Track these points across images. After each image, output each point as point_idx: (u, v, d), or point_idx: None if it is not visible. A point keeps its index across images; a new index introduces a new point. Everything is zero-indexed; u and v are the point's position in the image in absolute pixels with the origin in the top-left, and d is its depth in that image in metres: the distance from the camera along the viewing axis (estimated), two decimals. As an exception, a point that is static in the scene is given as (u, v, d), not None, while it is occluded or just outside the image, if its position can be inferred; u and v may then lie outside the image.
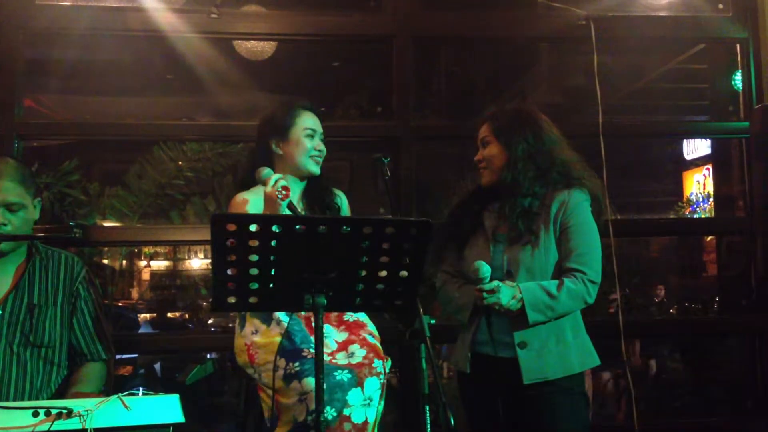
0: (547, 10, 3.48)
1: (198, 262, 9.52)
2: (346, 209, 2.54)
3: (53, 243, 2.48)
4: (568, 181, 2.29)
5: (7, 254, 2.21)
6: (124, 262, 8.39)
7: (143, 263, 9.61)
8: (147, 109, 6.49)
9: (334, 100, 6.77)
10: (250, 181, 2.34)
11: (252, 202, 2.30)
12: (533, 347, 2.18)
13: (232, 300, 1.71)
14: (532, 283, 2.18)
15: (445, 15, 3.57)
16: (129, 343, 3.67)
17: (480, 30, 3.55)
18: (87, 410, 1.63)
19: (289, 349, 2.16)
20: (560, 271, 2.22)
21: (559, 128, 2.39)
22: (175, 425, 1.72)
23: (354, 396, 2.08)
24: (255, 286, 1.68)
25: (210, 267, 1.76)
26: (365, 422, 2.08)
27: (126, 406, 1.68)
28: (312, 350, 2.00)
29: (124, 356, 5.05)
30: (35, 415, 1.61)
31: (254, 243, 1.62)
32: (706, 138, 6.09)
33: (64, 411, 1.61)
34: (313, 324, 1.68)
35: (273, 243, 1.63)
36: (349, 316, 2.32)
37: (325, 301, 1.68)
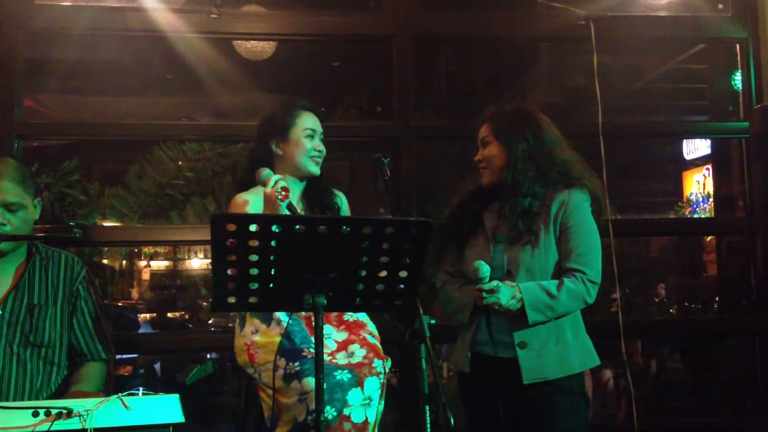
0: (547, 10, 3.48)
1: (198, 262, 9.51)
2: (345, 210, 2.54)
3: (53, 243, 2.48)
4: (569, 181, 2.29)
5: (7, 254, 2.21)
6: (124, 262, 8.37)
7: (143, 263, 9.60)
8: (147, 109, 6.49)
9: (334, 100, 6.76)
10: (249, 182, 2.35)
11: (252, 202, 2.30)
12: (533, 347, 2.18)
13: (232, 300, 1.71)
14: (532, 283, 2.18)
15: (445, 15, 3.57)
16: (129, 343, 3.67)
17: (480, 30, 3.55)
18: (87, 410, 1.63)
19: (289, 349, 2.17)
20: (560, 271, 2.23)
21: (559, 128, 2.39)
22: (175, 425, 1.72)
23: (354, 396, 2.08)
24: (255, 286, 1.68)
25: (210, 267, 1.76)
26: (365, 422, 2.08)
27: (126, 406, 1.68)
28: (312, 350, 2.00)
29: (124, 356, 5.04)
30: (35, 415, 1.61)
31: (254, 243, 1.62)
32: (706, 138, 6.08)
33: (64, 411, 1.62)
34: (313, 324, 1.68)
35: (273, 243, 1.63)
36: (349, 316, 2.33)
37: (325, 301, 1.68)
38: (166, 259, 9.85)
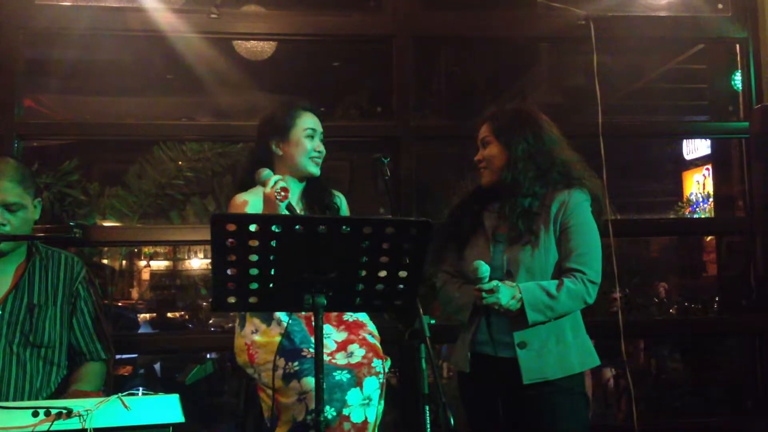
0: (547, 10, 3.48)
1: (198, 262, 9.51)
2: (345, 210, 2.54)
3: (53, 243, 2.48)
4: (569, 181, 2.29)
5: (7, 254, 2.21)
6: (124, 262, 8.37)
7: (143, 263, 9.60)
8: (147, 109, 6.49)
9: (334, 100, 6.76)
10: (249, 182, 2.35)
11: (251, 203, 2.30)
12: (533, 347, 2.18)
13: (232, 300, 1.71)
14: (532, 283, 2.18)
15: (445, 15, 3.57)
16: (129, 343, 3.67)
17: (480, 30, 3.55)
18: (87, 410, 1.63)
19: (288, 349, 2.17)
20: (560, 271, 2.23)
21: (559, 128, 2.39)
22: (175, 425, 1.72)
23: (353, 396, 2.08)
24: (255, 286, 1.68)
25: (210, 267, 1.76)
26: (365, 422, 2.08)
27: (126, 406, 1.68)
28: (311, 350, 2.00)
29: (124, 356, 5.04)
30: (35, 415, 1.61)
31: (254, 243, 1.62)
32: (705, 138, 6.07)
33: (64, 411, 1.62)
34: (313, 324, 1.68)
35: (273, 243, 1.63)
36: (349, 316, 2.33)
37: (325, 301, 1.68)
38: (165, 259, 9.85)
